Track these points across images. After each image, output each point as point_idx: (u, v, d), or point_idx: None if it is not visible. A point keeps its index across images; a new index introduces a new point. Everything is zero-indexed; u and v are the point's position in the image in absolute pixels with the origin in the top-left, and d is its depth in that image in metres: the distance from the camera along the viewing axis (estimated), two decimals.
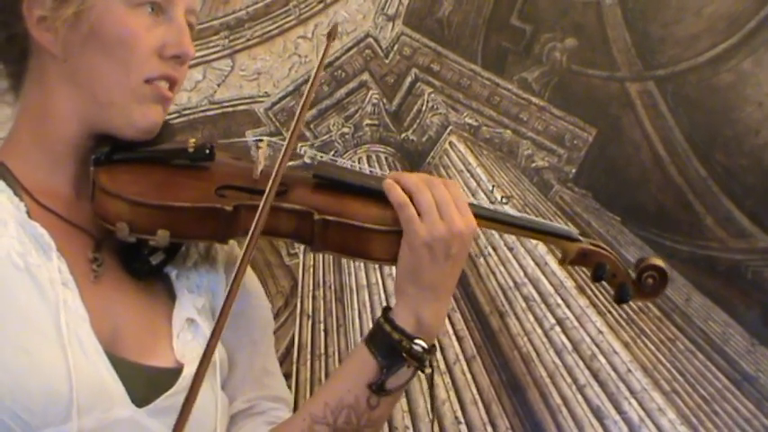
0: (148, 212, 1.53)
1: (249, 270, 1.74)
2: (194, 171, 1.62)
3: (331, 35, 1.69)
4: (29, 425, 1.41)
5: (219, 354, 1.61)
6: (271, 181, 1.50)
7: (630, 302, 1.70)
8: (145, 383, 1.50)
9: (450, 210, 1.57)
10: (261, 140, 1.67)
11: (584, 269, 1.71)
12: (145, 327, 1.56)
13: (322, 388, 1.69)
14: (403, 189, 1.59)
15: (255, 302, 1.73)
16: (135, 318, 1.56)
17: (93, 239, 1.57)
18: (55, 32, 1.55)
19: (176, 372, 1.53)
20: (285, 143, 1.56)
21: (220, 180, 1.60)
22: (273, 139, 1.72)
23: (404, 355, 1.57)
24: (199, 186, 1.58)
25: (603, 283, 1.69)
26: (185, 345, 1.57)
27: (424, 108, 2.82)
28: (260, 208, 1.48)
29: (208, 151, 1.62)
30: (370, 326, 2.77)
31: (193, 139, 1.64)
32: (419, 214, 1.56)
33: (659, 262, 1.68)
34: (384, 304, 2.74)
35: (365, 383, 1.58)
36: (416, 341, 1.57)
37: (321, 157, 1.72)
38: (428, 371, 1.59)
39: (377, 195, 1.62)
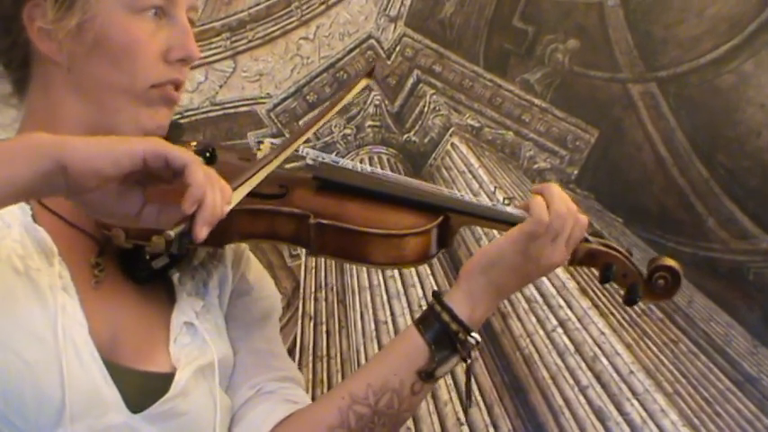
0: None
1: (253, 260, 1.75)
2: None
3: (371, 74, 1.70)
4: (21, 430, 1.40)
5: (219, 353, 1.60)
6: (251, 175, 1.48)
7: (640, 304, 1.66)
8: (140, 389, 1.49)
9: (561, 244, 1.58)
10: (261, 142, 1.66)
11: (591, 270, 1.67)
12: (143, 332, 1.55)
13: (365, 369, 1.68)
14: (546, 199, 1.59)
15: (256, 294, 1.72)
16: (134, 323, 1.55)
17: (98, 244, 1.57)
18: (58, 43, 1.54)
19: (172, 377, 1.52)
20: (280, 149, 1.55)
21: None
22: (275, 140, 1.71)
23: (458, 346, 1.57)
24: None
25: (611, 284, 1.64)
26: (182, 349, 1.56)
27: (426, 109, 2.82)
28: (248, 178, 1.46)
29: (208, 154, 1.61)
30: (373, 327, 2.80)
31: (194, 142, 1.63)
32: (543, 234, 1.57)
33: (672, 262, 1.63)
34: (386, 306, 2.74)
35: (415, 369, 1.58)
36: (472, 334, 1.58)
37: (323, 158, 1.71)
38: (469, 362, 1.60)
39: (379, 197, 1.61)
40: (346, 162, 1.70)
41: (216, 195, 1.31)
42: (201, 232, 1.29)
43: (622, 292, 1.64)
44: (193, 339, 1.58)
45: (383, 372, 1.60)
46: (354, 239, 1.57)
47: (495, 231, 1.69)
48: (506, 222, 1.63)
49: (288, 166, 1.65)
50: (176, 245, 1.28)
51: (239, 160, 1.67)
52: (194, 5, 1.63)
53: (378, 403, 1.59)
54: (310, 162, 1.69)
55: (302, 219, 1.56)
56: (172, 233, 1.27)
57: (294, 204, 1.58)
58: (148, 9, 1.55)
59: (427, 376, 1.58)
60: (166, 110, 1.58)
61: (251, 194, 1.54)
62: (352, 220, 1.57)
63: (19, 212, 1.50)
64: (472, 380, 1.65)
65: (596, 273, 1.64)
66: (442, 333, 1.58)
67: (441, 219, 1.61)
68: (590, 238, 1.63)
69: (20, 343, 1.41)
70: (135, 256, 1.57)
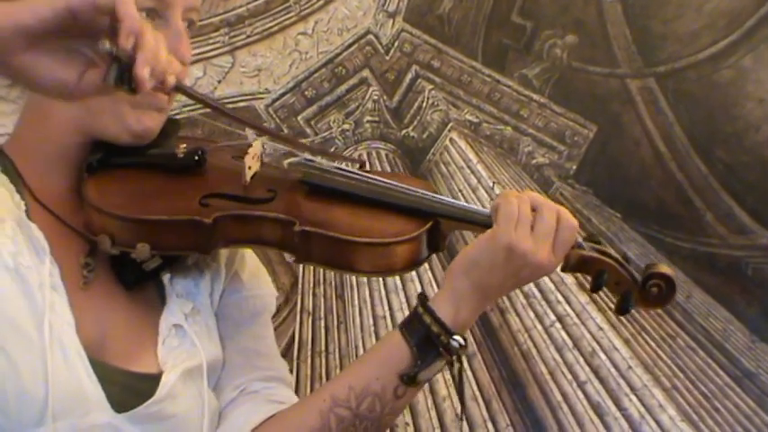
0: (128, 226, 1.50)
1: (249, 257, 1.73)
2: (185, 177, 1.58)
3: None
4: (2, 427, 1.40)
5: (209, 355, 1.60)
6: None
7: (633, 311, 1.61)
8: (126, 389, 1.49)
9: (546, 240, 1.53)
10: (250, 146, 1.63)
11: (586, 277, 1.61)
12: (132, 333, 1.55)
13: (347, 371, 1.64)
14: (516, 198, 1.56)
15: (247, 293, 1.70)
16: (123, 324, 1.54)
17: (89, 244, 1.56)
18: None
19: (159, 378, 1.52)
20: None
21: (208, 187, 1.56)
22: (266, 139, 1.69)
23: (440, 349, 1.54)
24: (184, 195, 1.54)
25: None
26: (170, 351, 1.55)
27: (424, 105, 2.82)
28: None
29: (197, 158, 1.58)
30: (371, 323, 2.80)
31: (184, 144, 1.60)
32: (517, 220, 1.53)
33: (666, 269, 1.58)
34: (384, 301, 2.74)
35: (396, 372, 1.55)
36: (455, 336, 1.53)
37: (317, 161, 1.66)
38: (457, 366, 1.56)
39: (369, 202, 1.58)
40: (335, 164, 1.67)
41: (158, 38, 1.26)
42: (142, 70, 1.24)
43: (615, 300, 1.59)
44: (182, 342, 1.57)
45: (365, 374, 1.57)
46: (340, 248, 1.53)
47: None
48: None
49: (284, 161, 1.64)
50: (113, 74, 1.23)
51: (233, 159, 1.65)
52: (194, 6, 1.60)
53: (359, 406, 1.55)
54: (305, 160, 1.66)
55: (287, 225, 1.53)
56: (112, 74, 1.23)
57: (280, 209, 1.54)
58: (140, 11, 1.54)
59: (409, 380, 1.55)
60: (155, 113, 1.56)
61: (238, 199, 1.53)
62: (338, 227, 1.53)
63: (14, 207, 1.50)
64: (464, 383, 1.60)
65: (589, 279, 1.60)
66: (424, 336, 1.54)
67: (430, 224, 1.58)
68: (583, 243, 1.59)
69: (5, 339, 1.41)
70: (125, 258, 1.55)
